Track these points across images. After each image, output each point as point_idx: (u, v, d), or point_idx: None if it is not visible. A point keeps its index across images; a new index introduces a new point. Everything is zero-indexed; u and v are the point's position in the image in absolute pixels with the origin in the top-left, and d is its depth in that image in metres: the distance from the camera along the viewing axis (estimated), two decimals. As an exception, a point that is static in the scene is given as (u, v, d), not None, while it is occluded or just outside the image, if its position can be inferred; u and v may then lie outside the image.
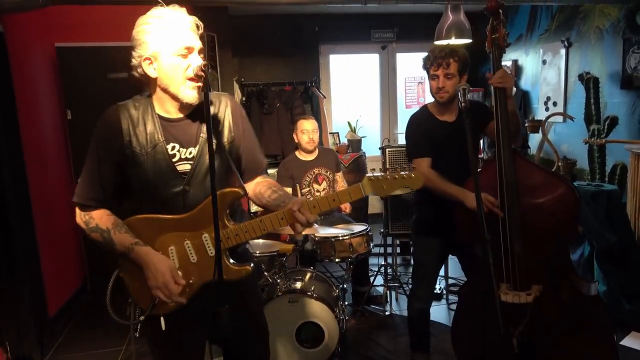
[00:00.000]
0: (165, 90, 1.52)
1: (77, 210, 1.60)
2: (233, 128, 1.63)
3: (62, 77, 3.92)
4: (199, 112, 1.56)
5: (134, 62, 1.50)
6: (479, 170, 2.25)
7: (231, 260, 1.59)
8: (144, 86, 1.58)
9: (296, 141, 3.65)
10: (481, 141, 5.01)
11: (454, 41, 4.23)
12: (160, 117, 1.56)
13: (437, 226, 2.49)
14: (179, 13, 1.49)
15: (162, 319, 1.56)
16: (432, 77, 2.40)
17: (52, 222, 3.64)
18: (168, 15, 1.47)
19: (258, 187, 1.69)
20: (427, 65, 2.42)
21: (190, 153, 1.56)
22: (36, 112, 3.59)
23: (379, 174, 1.57)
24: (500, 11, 2.09)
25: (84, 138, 4.11)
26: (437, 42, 4.30)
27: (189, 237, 1.56)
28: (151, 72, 1.50)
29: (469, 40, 4.24)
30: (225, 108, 1.63)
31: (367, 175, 1.58)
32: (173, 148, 1.55)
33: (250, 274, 1.61)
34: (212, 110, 1.59)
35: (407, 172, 1.56)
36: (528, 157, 3.98)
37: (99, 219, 1.57)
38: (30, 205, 3.24)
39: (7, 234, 2.99)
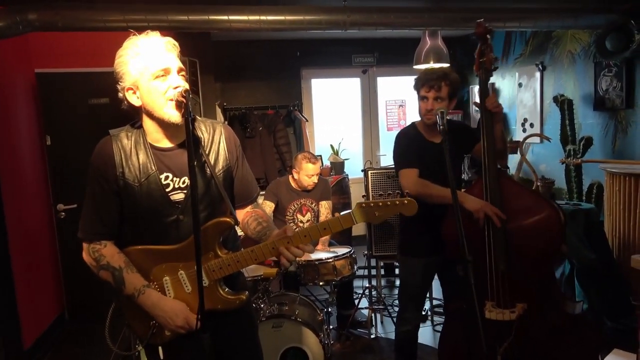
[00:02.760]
0: (151, 116, 1.51)
1: (84, 245, 1.58)
2: (228, 156, 1.64)
3: (42, 103, 3.88)
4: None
5: (120, 94, 1.52)
6: (465, 190, 2.28)
7: (226, 289, 1.58)
8: (135, 116, 1.59)
9: (295, 176, 3.59)
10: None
11: (432, 65, 4.34)
12: (153, 147, 1.55)
13: (421, 246, 2.50)
14: (152, 38, 1.50)
15: (160, 348, 1.56)
16: (421, 98, 2.39)
17: (29, 250, 3.56)
18: (141, 43, 1.48)
19: (247, 216, 1.70)
20: (418, 85, 2.41)
21: (184, 182, 1.56)
22: (14, 138, 3.55)
23: (371, 201, 1.50)
24: (488, 36, 2.20)
25: (64, 164, 4.08)
26: (416, 66, 4.41)
27: (182, 267, 1.56)
28: (135, 100, 1.51)
29: (446, 65, 4.36)
30: (219, 136, 1.63)
31: (358, 202, 1.51)
32: (166, 178, 1.55)
33: (245, 302, 1.60)
34: (206, 138, 1.61)
35: (400, 199, 1.50)
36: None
37: (111, 257, 1.55)
38: (6, 232, 3.17)
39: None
